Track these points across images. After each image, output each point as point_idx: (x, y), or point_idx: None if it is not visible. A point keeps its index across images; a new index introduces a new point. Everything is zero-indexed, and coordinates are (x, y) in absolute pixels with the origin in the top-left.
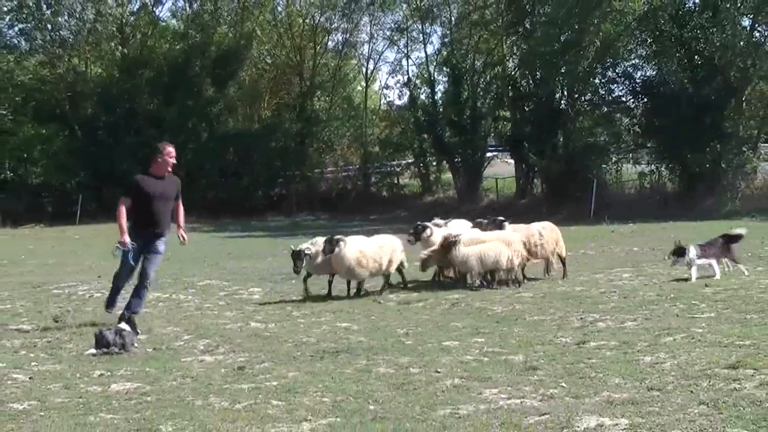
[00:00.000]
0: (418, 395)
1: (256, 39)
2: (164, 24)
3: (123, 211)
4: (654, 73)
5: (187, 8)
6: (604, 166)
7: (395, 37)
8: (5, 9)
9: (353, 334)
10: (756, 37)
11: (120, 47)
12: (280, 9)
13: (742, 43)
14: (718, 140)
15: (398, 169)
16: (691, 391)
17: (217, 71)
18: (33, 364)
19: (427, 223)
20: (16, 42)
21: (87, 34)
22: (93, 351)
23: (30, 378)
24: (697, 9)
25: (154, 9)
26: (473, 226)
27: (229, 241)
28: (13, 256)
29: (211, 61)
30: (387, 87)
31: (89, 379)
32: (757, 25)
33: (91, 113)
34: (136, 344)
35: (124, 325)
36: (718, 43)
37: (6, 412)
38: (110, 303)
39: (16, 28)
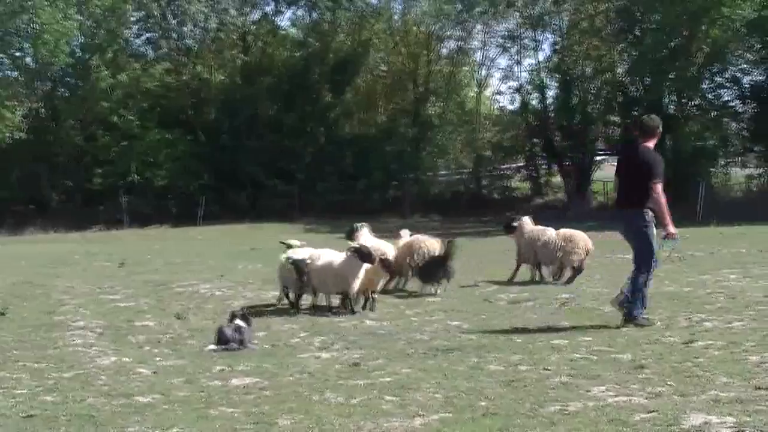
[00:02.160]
0: (527, 392)
1: (373, 47)
2: (284, 32)
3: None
4: (762, 78)
5: (307, 18)
6: (712, 169)
7: (507, 45)
8: (133, 19)
9: (464, 332)
10: None
11: (241, 55)
12: (396, 18)
13: None
14: None
15: (509, 173)
16: None
17: (335, 78)
18: (157, 359)
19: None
20: (143, 50)
21: (210, 43)
22: (213, 347)
23: (154, 372)
24: None
25: (275, 18)
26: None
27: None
28: (139, 255)
29: (329, 68)
30: (499, 93)
31: (210, 374)
32: None
33: (214, 118)
34: (254, 341)
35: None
36: None
37: (131, 404)
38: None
39: (143, 37)
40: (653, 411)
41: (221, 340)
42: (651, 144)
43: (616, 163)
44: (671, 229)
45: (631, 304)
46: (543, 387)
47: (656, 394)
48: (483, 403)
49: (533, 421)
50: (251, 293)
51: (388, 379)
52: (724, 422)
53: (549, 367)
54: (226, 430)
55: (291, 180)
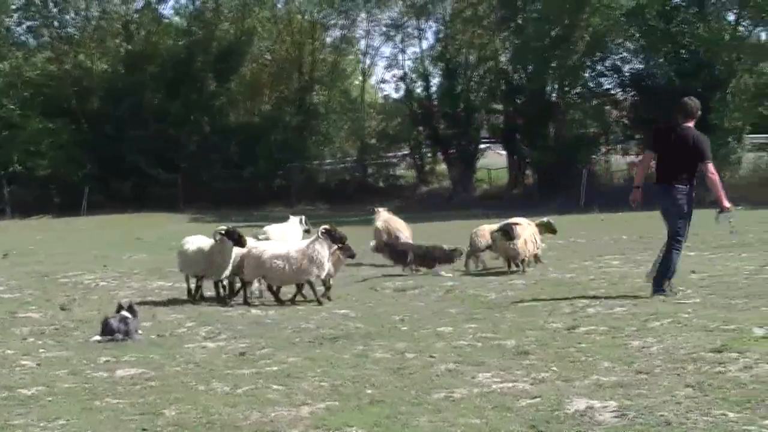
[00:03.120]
0: (413, 379)
1: (257, 35)
2: (167, 21)
3: None
4: (642, 66)
5: (190, 6)
6: (593, 156)
7: (391, 33)
8: (13, 6)
9: (351, 320)
10: (740, 32)
11: (125, 44)
12: (279, 6)
13: (727, 37)
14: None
15: (394, 161)
16: (678, 374)
17: (219, 66)
18: (41, 350)
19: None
20: (24, 39)
21: (92, 31)
22: (98, 338)
23: (38, 364)
24: (683, 4)
25: (158, 6)
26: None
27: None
28: (23, 246)
29: (213, 56)
30: (383, 81)
31: (95, 365)
32: (741, 20)
33: (97, 107)
34: (140, 331)
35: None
36: (704, 37)
37: (15, 397)
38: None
39: (24, 26)
40: (537, 396)
41: (106, 331)
42: (692, 124)
43: (499, 151)
44: (726, 203)
45: (660, 275)
46: (428, 374)
47: (540, 380)
48: (369, 391)
49: (419, 408)
50: (137, 283)
51: (275, 368)
52: (607, 406)
53: (434, 355)
54: (111, 421)
55: (176, 169)
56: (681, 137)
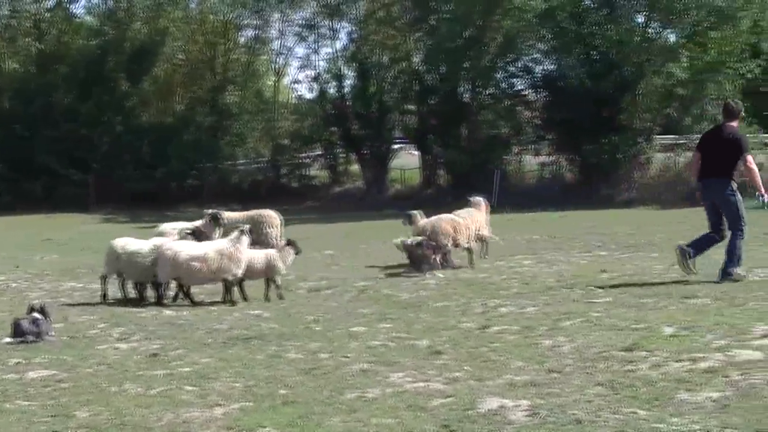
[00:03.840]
0: (327, 380)
1: (170, 35)
2: (79, 20)
3: None
4: (553, 67)
5: (102, 5)
6: (506, 157)
7: (304, 34)
8: None
9: (264, 321)
10: (650, 33)
11: (36, 43)
12: (192, 6)
13: (637, 39)
14: (615, 132)
15: (308, 161)
16: (589, 373)
17: (132, 66)
18: None
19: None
20: None
21: (2, 30)
22: (9, 340)
23: None
24: (594, 6)
25: (69, 6)
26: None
27: (143, 231)
28: None
29: (125, 56)
30: (297, 81)
31: (5, 367)
32: (651, 22)
33: (8, 107)
34: (51, 332)
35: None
36: (614, 39)
37: None
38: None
39: None
40: (450, 396)
41: (18, 332)
42: (735, 124)
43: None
44: (763, 190)
45: (729, 262)
46: (342, 374)
47: (453, 379)
48: (283, 392)
49: (332, 408)
50: (48, 285)
51: (188, 369)
52: (519, 405)
53: (348, 355)
54: (22, 423)
55: (87, 169)
56: (721, 136)
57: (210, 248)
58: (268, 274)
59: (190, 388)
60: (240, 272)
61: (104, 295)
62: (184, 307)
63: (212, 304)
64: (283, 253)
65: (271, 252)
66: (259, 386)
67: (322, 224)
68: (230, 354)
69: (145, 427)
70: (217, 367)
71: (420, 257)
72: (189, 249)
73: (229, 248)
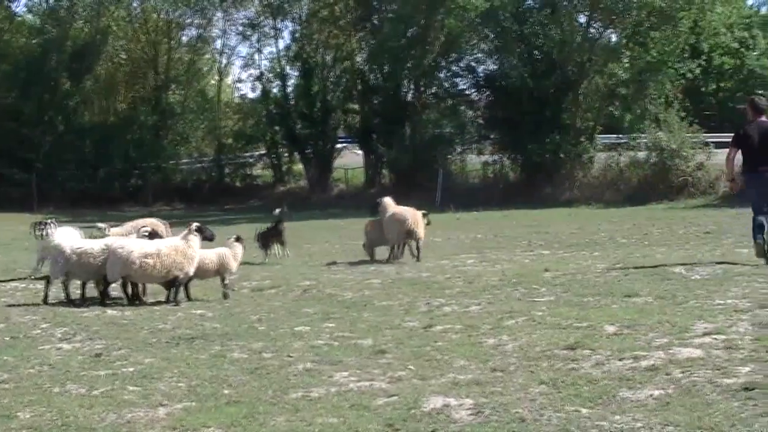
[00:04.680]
0: (271, 379)
1: (112, 34)
2: (20, 19)
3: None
4: (496, 67)
5: (44, 4)
6: (449, 156)
7: (248, 33)
8: None
9: (208, 320)
10: (592, 33)
11: None
12: (135, 5)
13: (578, 39)
14: (557, 132)
15: (251, 160)
16: (532, 372)
17: (74, 65)
18: None
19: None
20: None
21: None
22: None
23: None
24: (536, 6)
25: (10, 4)
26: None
27: (87, 231)
28: None
29: (67, 55)
30: (240, 81)
31: None
32: (592, 22)
33: None
34: None
35: None
36: (556, 39)
37: None
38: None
39: None
40: (394, 395)
41: None
42: (765, 118)
43: (356, 151)
44: None
45: None
46: (286, 374)
47: (397, 379)
48: (227, 391)
49: (277, 407)
50: None
51: (131, 369)
52: (463, 404)
53: (292, 354)
54: None
55: (29, 169)
56: (763, 129)
57: (163, 245)
58: (220, 272)
59: (133, 388)
60: (192, 270)
61: (69, 297)
62: (127, 307)
63: (156, 304)
64: (235, 250)
65: (223, 250)
66: (202, 386)
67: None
68: (174, 354)
69: (88, 428)
70: (160, 367)
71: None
72: (142, 246)
73: (182, 245)
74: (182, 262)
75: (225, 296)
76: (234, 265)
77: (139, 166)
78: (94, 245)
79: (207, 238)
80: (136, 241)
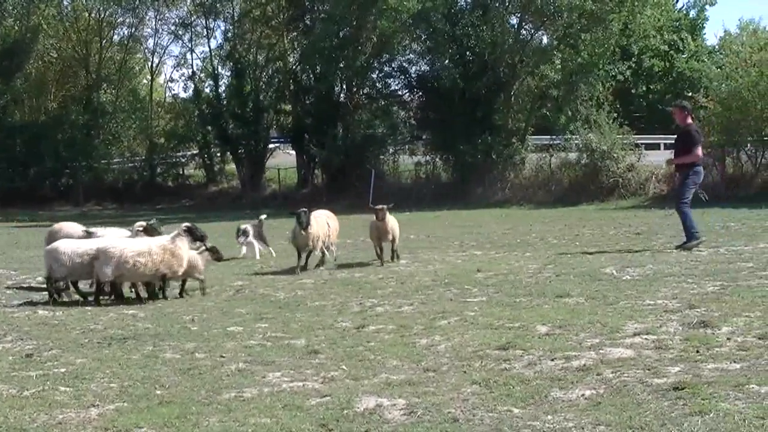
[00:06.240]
0: (203, 380)
1: (42, 32)
2: None
3: None
4: (428, 68)
5: None
6: (381, 157)
7: (180, 32)
8: None
9: (140, 320)
10: (523, 35)
11: None
12: (66, 3)
13: (510, 41)
14: (489, 133)
15: (183, 160)
16: (465, 372)
17: (3, 64)
18: None
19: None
20: None
21: None
22: None
23: None
24: (468, 7)
25: None
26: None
27: (16, 230)
28: None
29: None
30: (172, 80)
31: None
32: (524, 24)
33: None
34: None
35: None
36: (488, 41)
37: None
38: None
39: None
40: (327, 395)
41: None
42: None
43: (289, 151)
44: None
45: None
46: (219, 374)
47: (330, 379)
48: (159, 392)
49: (209, 408)
50: None
51: (63, 369)
52: (395, 404)
53: (224, 354)
54: None
55: None
56: None
57: (153, 243)
58: (189, 273)
59: (65, 388)
60: (181, 270)
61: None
62: (58, 307)
63: (87, 304)
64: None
65: (192, 251)
66: (135, 386)
67: (198, 223)
68: (106, 354)
69: (19, 429)
70: (92, 368)
71: None
72: (133, 245)
73: (170, 245)
74: (171, 260)
75: (181, 294)
76: (202, 266)
77: (71, 165)
78: (84, 245)
79: (198, 238)
80: (127, 240)
